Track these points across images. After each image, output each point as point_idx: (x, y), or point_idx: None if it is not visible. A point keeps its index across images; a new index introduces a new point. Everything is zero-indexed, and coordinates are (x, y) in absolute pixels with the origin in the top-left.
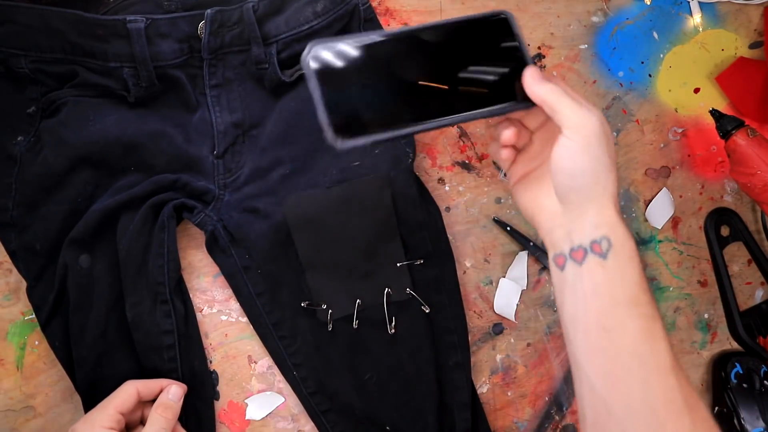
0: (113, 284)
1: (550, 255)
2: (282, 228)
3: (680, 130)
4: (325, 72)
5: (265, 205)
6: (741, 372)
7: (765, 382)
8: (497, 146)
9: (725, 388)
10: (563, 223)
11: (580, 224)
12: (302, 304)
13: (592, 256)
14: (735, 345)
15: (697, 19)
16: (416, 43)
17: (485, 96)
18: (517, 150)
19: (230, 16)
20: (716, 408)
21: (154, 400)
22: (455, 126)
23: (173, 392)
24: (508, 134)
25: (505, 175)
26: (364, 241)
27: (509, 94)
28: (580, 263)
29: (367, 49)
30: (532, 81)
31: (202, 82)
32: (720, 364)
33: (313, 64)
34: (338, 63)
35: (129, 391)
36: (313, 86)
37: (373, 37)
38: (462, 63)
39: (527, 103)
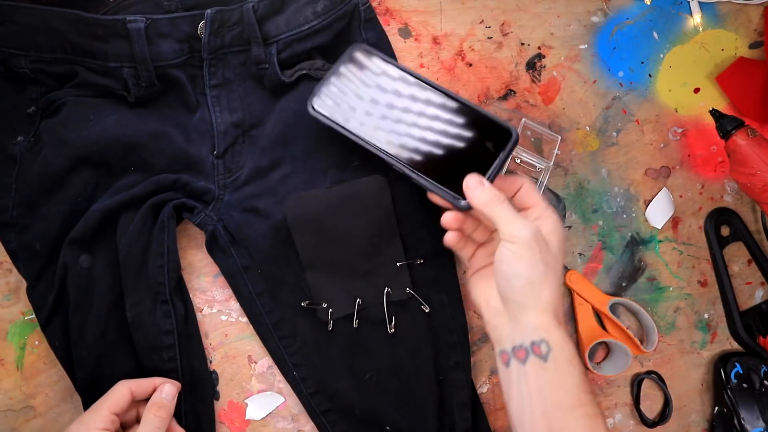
0: (113, 284)
1: (496, 350)
2: (282, 228)
3: (680, 130)
4: (349, 65)
5: (266, 205)
6: (741, 372)
7: (765, 382)
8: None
9: (725, 388)
10: (506, 322)
11: (521, 325)
12: (302, 304)
13: (533, 358)
14: (735, 345)
15: (697, 19)
16: (421, 92)
17: (445, 173)
18: (478, 244)
19: (230, 16)
20: (716, 408)
21: (148, 399)
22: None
23: (167, 391)
24: (447, 217)
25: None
26: (364, 241)
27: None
28: (523, 362)
29: (384, 68)
30: (472, 186)
31: (202, 82)
32: (720, 364)
33: (357, 46)
34: (363, 64)
35: (122, 392)
36: (339, 60)
37: (408, 69)
38: (447, 135)
39: (467, 205)
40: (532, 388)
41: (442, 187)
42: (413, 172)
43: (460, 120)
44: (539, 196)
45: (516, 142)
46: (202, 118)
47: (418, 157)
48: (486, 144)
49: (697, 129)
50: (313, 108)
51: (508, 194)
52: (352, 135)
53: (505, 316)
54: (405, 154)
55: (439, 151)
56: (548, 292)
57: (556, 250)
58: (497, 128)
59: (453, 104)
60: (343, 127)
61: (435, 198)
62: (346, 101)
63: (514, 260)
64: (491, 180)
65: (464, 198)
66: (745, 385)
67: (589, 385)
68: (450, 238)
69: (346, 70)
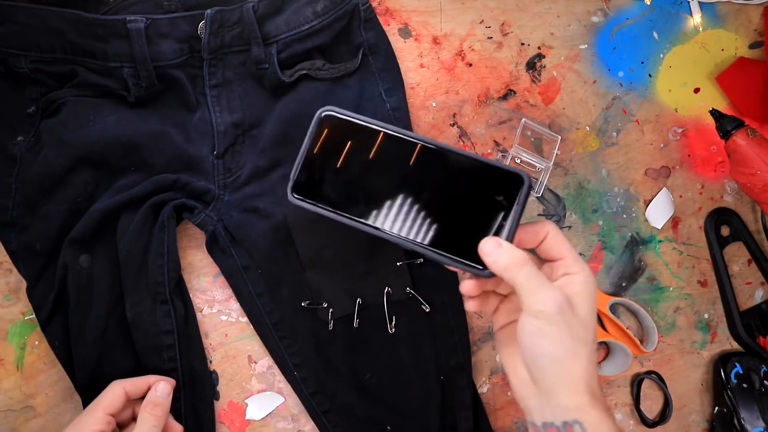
0: (113, 284)
1: (527, 419)
2: (282, 227)
3: (680, 130)
4: (327, 131)
5: (266, 204)
6: (741, 372)
7: (765, 382)
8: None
9: (725, 388)
10: (535, 395)
11: (551, 403)
12: (302, 304)
13: None
14: (735, 345)
15: (697, 19)
16: (419, 155)
17: (458, 241)
18: (501, 297)
19: (230, 16)
20: (716, 408)
21: (143, 398)
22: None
23: (161, 389)
24: (466, 286)
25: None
26: (364, 240)
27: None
28: None
29: (373, 133)
30: (489, 251)
31: (202, 82)
32: (720, 364)
33: (325, 114)
34: (341, 131)
35: (116, 392)
36: (309, 134)
37: (387, 127)
38: (451, 198)
39: (490, 273)
40: None
41: (459, 259)
42: (423, 248)
43: (461, 176)
44: (567, 245)
45: (530, 188)
46: (202, 118)
47: (424, 230)
48: (497, 198)
49: (697, 129)
50: (294, 196)
51: (532, 245)
52: (346, 218)
53: (534, 388)
54: (408, 230)
55: (445, 219)
56: (579, 368)
57: (586, 314)
58: (505, 176)
59: (449, 159)
60: (332, 211)
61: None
62: (328, 180)
63: (537, 337)
64: (510, 238)
65: (483, 265)
66: (745, 385)
67: None
68: (471, 306)
69: (317, 135)
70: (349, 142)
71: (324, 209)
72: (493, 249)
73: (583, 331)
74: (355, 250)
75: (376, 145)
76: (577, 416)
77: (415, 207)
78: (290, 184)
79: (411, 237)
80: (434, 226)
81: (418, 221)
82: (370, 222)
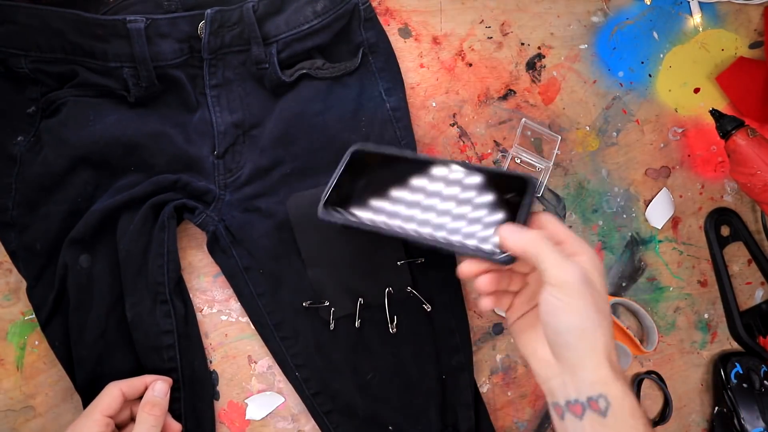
0: (113, 284)
1: (548, 402)
2: (284, 227)
3: (680, 130)
4: (357, 160)
5: (267, 204)
6: (741, 372)
7: (765, 382)
8: (480, 297)
9: (725, 388)
10: (558, 374)
11: (575, 379)
12: (304, 304)
13: (591, 413)
14: (735, 345)
15: (697, 19)
16: (435, 171)
17: (473, 235)
18: (513, 294)
19: (230, 16)
20: (716, 408)
21: (141, 398)
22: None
23: (158, 389)
24: (481, 282)
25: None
26: (366, 240)
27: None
28: (579, 417)
29: (398, 161)
30: (508, 235)
31: (202, 82)
32: (720, 364)
33: (354, 149)
34: (368, 160)
35: (113, 394)
36: (340, 165)
37: (412, 155)
38: (468, 201)
39: (508, 256)
40: None
41: (477, 246)
42: (443, 241)
43: (473, 187)
44: (567, 230)
45: (535, 186)
46: (202, 118)
47: (442, 233)
48: (507, 197)
49: (697, 129)
50: (323, 211)
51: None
52: (372, 226)
53: (557, 367)
54: (429, 233)
55: (463, 224)
56: (603, 341)
57: (602, 288)
58: (514, 181)
59: (463, 173)
60: (360, 221)
61: (466, 268)
62: (356, 197)
63: (563, 312)
64: (524, 223)
65: (500, 251)
66: (745, 385)
67: None
68: (487, 304)
69: (350, 163)
70: (375, 167)
71: (351, 222)
72: (511, 233)
73: (604, 304)
74: (357, 249)
75: (398, 166)
76: (601, 390)
77: (435, 213)
78: (321, 203)
79: (434, 236)
80: (451, 232)
81: (440, 223)
82: (394, 227)
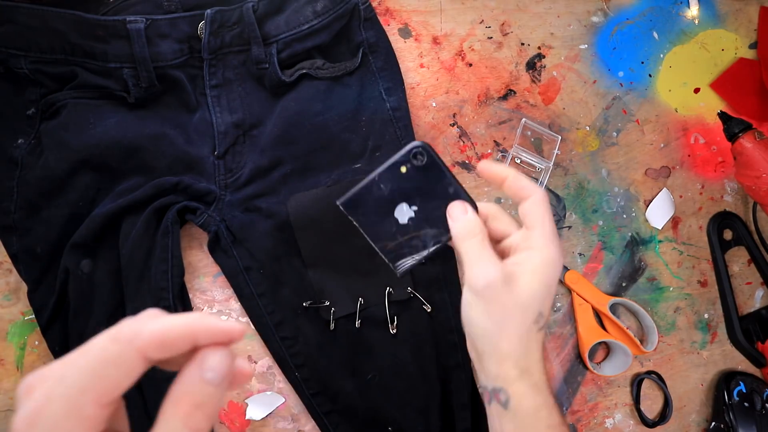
0: (114, 290)
1: None
2: (284, 227)
3: (680, 130)
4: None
5: (268, 204)
6: (744, 391)
7: (767, 405)
8: None
9: (726, 405)
10: (476, 359)
11: (483, 368)
12: (304, 304)
13: (495, 403)
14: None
15: (694, 11)
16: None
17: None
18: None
19: (230, 16)
20: (713, 423)
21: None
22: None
23: (212, 365)
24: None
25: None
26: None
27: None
28: (488, 404)
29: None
30: (454, 218)
31: (202, 83)
32: (724, 381)
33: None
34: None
35: (130, 362)
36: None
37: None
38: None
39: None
40: (498, 429)
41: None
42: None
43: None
44: (543, 218)
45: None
46: (203, 119)
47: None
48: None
49: (698, 129)
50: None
51: (517, 199)
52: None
53: (474, 353)
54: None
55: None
56: (506, 345)
57: (530, 293)
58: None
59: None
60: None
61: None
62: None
63: (468, 308)
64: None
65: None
66: (746, 404)
67: None
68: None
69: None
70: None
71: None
72: (458, 214)
73: (516, 310)
74: (357, 249)
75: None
76: (502, 385)
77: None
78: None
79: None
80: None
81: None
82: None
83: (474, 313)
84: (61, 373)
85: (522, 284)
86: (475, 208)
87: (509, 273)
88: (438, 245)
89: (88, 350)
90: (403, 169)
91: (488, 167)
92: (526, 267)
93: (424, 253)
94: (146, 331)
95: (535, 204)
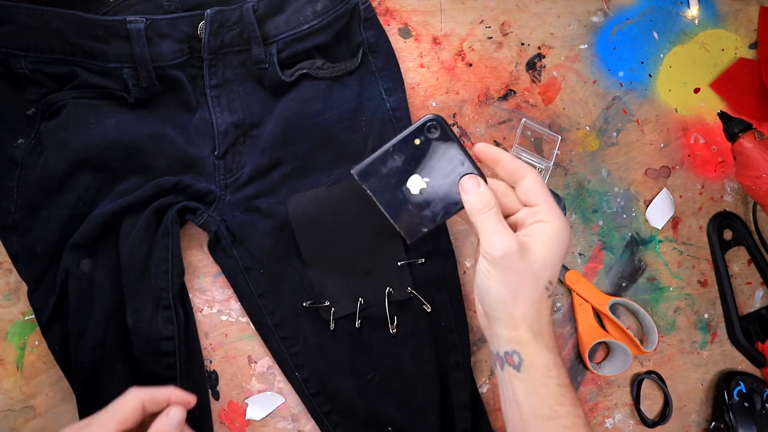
0: (114, 290)
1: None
2: (284, 227)
3: (680, 130)
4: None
5: (268, 204)
6: (744, 391)
7: (767, 405)
8: None
9: (726, 405)
10: (487, 327)
11: (496, 334)
12: (304, 304)
13: (507, 367)
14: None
15: (694, 11)
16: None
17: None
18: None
19: (230, 16)
20: (713, 423)
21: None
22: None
23: (173, 416)
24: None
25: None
26: (366, 240)
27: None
28: (501, 369)
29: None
30: (467, 191)
31: (202, 83)
32: (724, 381)
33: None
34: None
35: (134, 405)
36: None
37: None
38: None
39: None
40: (510, 394)
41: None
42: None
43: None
44: (545, 194)
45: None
46: (203, 119)
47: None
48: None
49: (698, 129)
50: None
51: (512, 181)
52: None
53: (486, 321)
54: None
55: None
56: (521, 310)
57: (543, 262)
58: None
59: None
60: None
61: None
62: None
63: (484, 277)
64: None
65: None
66: (746, 404)
67: (570, 397)
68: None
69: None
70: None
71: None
72: (471, 188)
73: (531, 279)
74: (357, 249)
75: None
76: (515, 347)
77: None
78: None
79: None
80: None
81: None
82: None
83: (490, 282)
84: None
85: (535, 253)
86: (486, 182)
87: (523, 243)
88: (448, 216)
89: None
90: (417, 141)
91: (485, 148)
92: (538, 238)
93: (435, 222)
94: (147, 392)
95: (534, 182)
